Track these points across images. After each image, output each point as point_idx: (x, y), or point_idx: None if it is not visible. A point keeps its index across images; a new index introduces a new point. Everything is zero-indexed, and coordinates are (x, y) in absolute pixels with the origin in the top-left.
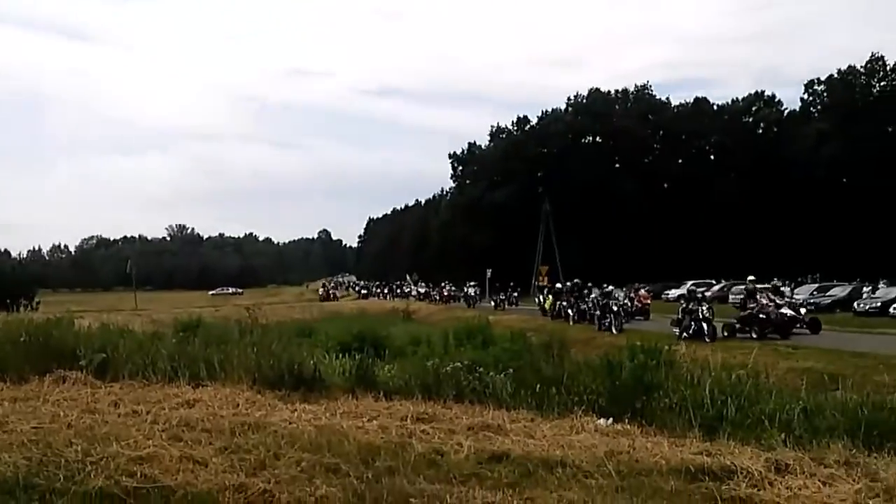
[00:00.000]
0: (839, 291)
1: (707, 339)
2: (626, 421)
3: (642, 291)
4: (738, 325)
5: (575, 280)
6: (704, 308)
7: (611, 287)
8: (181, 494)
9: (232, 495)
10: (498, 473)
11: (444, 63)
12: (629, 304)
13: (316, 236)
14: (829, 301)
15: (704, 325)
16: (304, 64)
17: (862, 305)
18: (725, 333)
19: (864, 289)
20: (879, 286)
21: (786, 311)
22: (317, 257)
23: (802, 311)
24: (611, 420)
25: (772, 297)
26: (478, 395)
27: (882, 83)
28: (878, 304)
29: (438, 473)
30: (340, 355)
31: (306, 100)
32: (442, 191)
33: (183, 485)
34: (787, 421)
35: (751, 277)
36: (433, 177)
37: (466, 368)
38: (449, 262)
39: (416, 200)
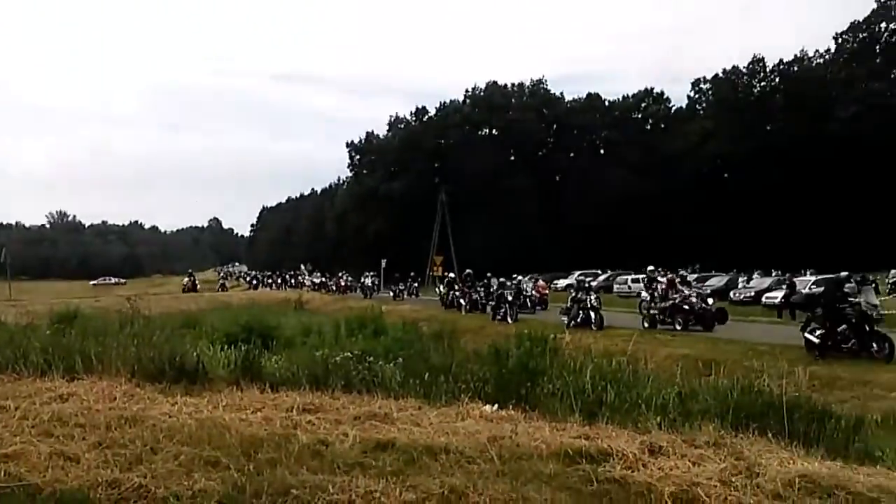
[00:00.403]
0: (717, 282)
1: (594, 328)
2: (511, 407)
3: (540, 282)
4: (659, 317)
5: (467, 270)
6: (592, 297)
7: (519, 277)
8: (49, 493)
9: (104, 492)
10: (382, 462)
11: (345, 51)
12: (535, 294)
13: (206, 225)
14: (708, 291)
15: (592, 314)
16: (198, 45)
17: (737, 295)
18: (646, 325)
19: (740, 279)
20: (753, 277)
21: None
22: (206, 246)
23: (710, 301)
24: (496, 406)
25: (679, 287)
26: (367, 384)
27: (762, 83)
28: (752, 293)
29: (322, 464)
30: (226, 347)
31: (199, 82)
32: (339, 180)
33: (51, 482)
34: (662, 405)
35: (650, 267)
36: (330, 166)
37: (356, 358)
38: (345, 252)
39: (312, 189)
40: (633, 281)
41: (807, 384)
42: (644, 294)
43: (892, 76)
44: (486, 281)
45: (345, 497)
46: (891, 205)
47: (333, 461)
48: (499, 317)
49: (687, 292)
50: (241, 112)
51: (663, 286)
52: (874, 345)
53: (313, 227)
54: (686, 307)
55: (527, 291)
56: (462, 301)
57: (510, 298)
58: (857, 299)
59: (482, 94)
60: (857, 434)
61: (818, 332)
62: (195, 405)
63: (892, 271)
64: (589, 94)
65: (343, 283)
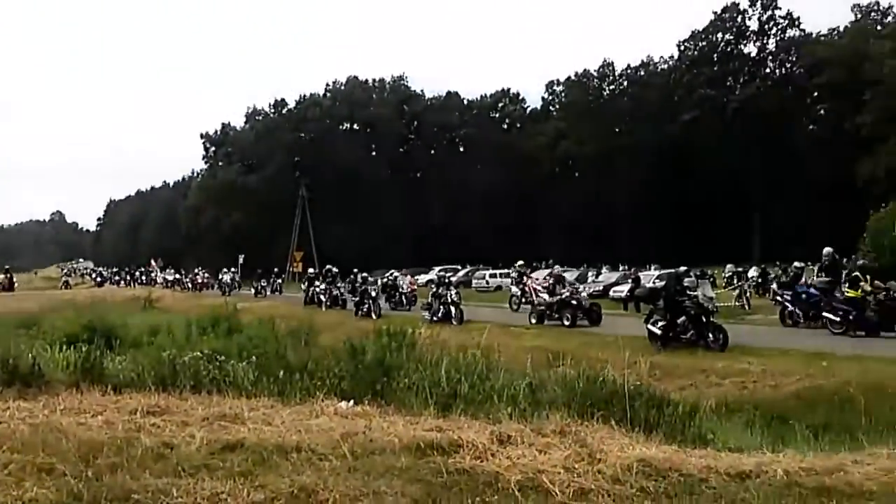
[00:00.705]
0: (568, 277)
1: (454, 322)
2: (367, 403)
3: (409, 278)
4: (547, 312)
5: (328, 266)
6: (452, 292)
7: (396, 273)
8: None
9: None
10: (231, 462)
11: (200, 38)
12: (411, 290)
13: (48, 219)
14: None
15: (452, 309)
16: (43, 24)
17: (587, 289)
18: (533, 320)
19: (589, 273)
20: (602, 271)
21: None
22: (49, 242)
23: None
24: (351, 402)
25: (553, 283)
26: (217, 384)
27: (612, 87)
28: (601, 287)
29: (166, 467)
30: (66, 347)
31: (43, 63)
32: (193, 172)
33: None
34: (514, 396)
35: (520, 262)
36: (182, 157)
37: (207, 358)
38: (201, 247)
39: (164, 182)
40: (492, 276)
41: (649, 373)
42: (514, 289)
43: (728, 84)
44: (353, 276)
45: (189, 500)
46: (726, 203)
47: (178, 464)
48: (362, 312)
49: (570, 289)
50: (81, 97)
51: (539, 281)
52: (710, 335)
53: (165, 221)
54: (574, 302)
55: (402, 288)
56: (322, 297)
57: (374, 294)
58: (695, 293)
59: (343, 88)
60: (693, 419)
61: (660, 324)
62: (29, 410)
63: (729, 266)
64: (448, 93)
65: (200, 280)
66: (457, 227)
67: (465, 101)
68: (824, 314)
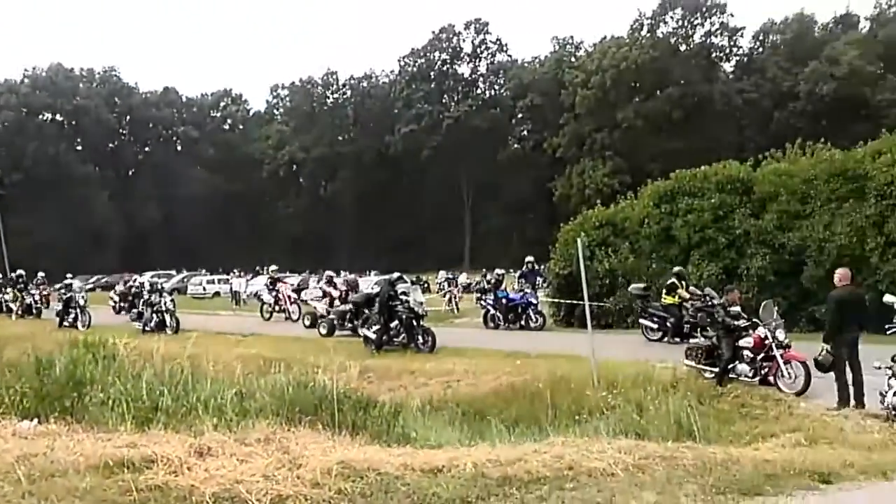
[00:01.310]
0: (290, 281)
1: (169, 332)
2: (55, 421)
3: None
4: (338, 322)
5: (19, 271)
6: (167, 300)
7: (138, 277)
8: None
9: None
10: None
11: None
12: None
13: None
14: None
15: (167, 317)
16: None
17: (310, 294)
18: (323, 332)
19: (311, 279)
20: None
21: None
22: None
23: None
24: (35, 422)
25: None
26: None
27: (335, 95)
28: None
29: None
30: None
31: None
32: None
33: None
34: (220, 406)
35: (273, 267)
36: None
37: None
38: None
39: None
40: (209, 282)
41: (363, 376)
42: (266, 297)
43: (444, 100)
44: (65, 283)
45: None
46: (442, 213)
47: None
48: (66, 323)
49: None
50: None
51: (316, 289)
52: (420, 338)
53: None
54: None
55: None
56: (12, 306)
57: (83, 302)
58: (407, 298)
59: (44, 74)
60: (397, 419)
61: (374, 328)
62: None
63: (441, 272)
64: (166, 88)
65: None
66: (174, 231)
67: (185, 98)
68: (641, 321)
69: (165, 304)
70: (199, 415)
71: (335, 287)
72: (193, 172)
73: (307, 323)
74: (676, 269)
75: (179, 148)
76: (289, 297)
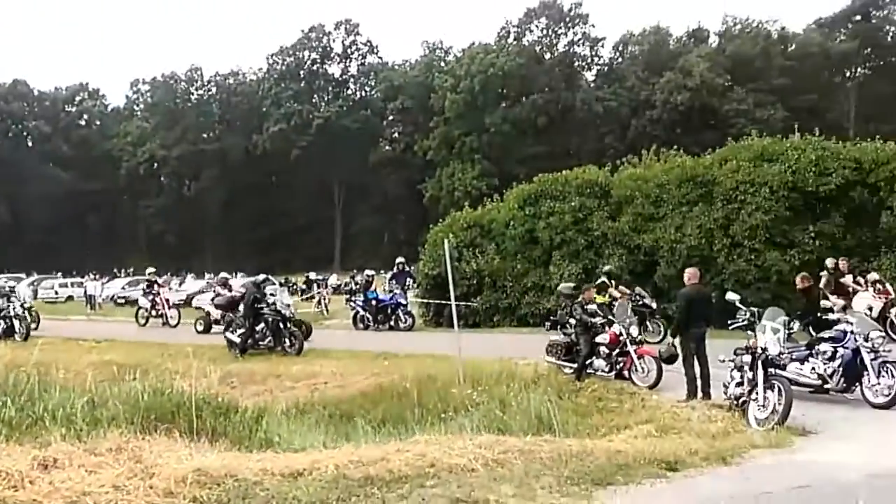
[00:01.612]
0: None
1: (19, 338)
2: None
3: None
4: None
5: None
6: (17, 305)
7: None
8: None
9: None
10: None
11: None
12: None
13: None
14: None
15: (16, 323)
16: None
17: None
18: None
19: (173, 281)
20: (187, 279)
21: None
22: None
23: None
24: None
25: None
26: None
27: (200, 92)
28: (185, 296)
29: None
30: None
31: None
32: None
33: None
34: (69, 415)
35: (150, 270)
36: None
37: None
38: None
39: None
40: (62, 286)
41: (226, 381)
42: (143, 301)
43: (314, 100)
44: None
45: None
46: (311, 213)
47: None
48: None
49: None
50: None
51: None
52: (287, 340)
53: None
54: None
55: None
56: None
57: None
58: (273, 299)
59: None
60: (259, 424)
61: (239, 332)
62: None
63: (311, 273)
64: (15, 80)
65: None
66: (25, 231)
67: (37, 92)
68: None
69: (14, 308)
70: (46, 425)
71: (230, 289)
72: (46, 170)
73: (200, 328)
74: (606, 267)
75: (30, 144)
76: (167, 300)
